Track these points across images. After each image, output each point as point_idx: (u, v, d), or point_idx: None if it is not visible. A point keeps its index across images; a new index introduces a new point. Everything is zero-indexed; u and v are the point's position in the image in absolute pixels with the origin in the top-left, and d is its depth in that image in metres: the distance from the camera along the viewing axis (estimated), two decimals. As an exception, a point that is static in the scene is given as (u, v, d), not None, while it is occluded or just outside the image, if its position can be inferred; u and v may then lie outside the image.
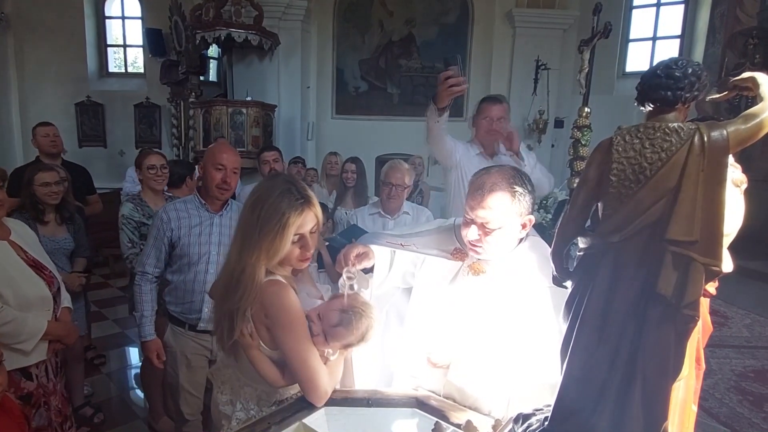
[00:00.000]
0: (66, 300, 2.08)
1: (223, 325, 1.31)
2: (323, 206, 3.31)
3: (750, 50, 5.78)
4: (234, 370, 1.48)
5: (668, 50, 7.46)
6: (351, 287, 1.37)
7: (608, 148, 0.61)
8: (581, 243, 0.63)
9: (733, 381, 3.00)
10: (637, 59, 7.74)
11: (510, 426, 0.77)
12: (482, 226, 1.33)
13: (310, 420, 1.30)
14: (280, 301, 1.26)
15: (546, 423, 0.68)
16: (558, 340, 1.23)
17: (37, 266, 1.93)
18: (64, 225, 2.84)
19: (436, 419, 1.16)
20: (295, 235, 1.26)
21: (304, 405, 1.33)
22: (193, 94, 6.77)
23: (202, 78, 7.22)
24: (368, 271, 1.58)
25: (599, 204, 0.61)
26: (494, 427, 0.96)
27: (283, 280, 1.32)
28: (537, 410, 0.77)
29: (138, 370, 3.71)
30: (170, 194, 3.03)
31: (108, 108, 7.92)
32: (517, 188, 1.32)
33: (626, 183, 0.56)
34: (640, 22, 7.71)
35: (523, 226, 1.37)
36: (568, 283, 0.79)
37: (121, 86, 8.15)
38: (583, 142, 3.47)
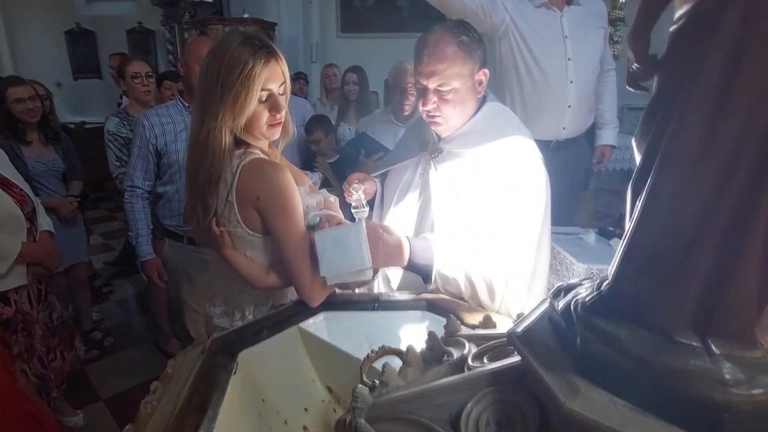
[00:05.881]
0: (46, 224, 1.91)
1: (198, 210, 1.16)
2: (326, 119, 3.06)
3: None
4: (226, 279, 1.35)
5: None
6: (360, 206, 1.30)
7: None
8: (683, 6, 0.40)
9: None
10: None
11: (545, 304, 0.58)
12: (436, 92, 1.24)
13: (307, 324, 1.15)
14: (276, 183, 1.11)
15: (603, 287, 0.49)
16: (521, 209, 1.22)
17: (5, 183, 1.75)
18: (50, 145, 2.65)
19: (449, 316, 1.00)
20: (263, 91, 1.08)
21: (301, 308, 1.19)
22: (187, 14, 6.30)
23: (195, -4, 6.67)
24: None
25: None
26: (518, 316, 0.79)
27: (263, 156, 1.15)
28: (583, 280, 0.58)
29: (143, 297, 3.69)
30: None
31: (99, 35, 7.47)
32: (464, 38, 1.20)
33: None
34: None
35: (479, 82, 1.27)
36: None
37: (111, 10, 7.63)
38: (615, 39, 3.05)
